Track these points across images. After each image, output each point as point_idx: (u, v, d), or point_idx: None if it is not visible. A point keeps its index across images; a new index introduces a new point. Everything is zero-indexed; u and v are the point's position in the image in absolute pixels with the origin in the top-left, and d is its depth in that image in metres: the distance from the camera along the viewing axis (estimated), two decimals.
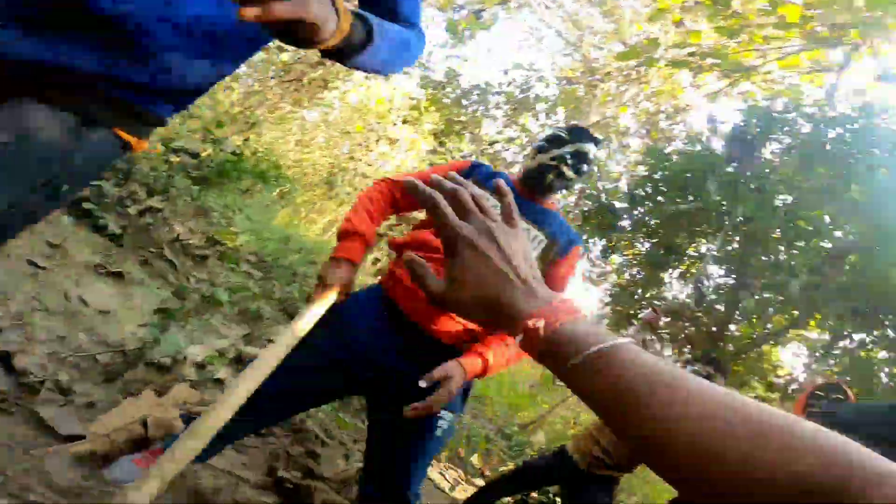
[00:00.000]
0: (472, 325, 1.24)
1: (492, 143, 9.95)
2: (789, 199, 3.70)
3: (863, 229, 3.35)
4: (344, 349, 1.23)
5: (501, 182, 0.48)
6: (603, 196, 5.25)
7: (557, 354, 0.36)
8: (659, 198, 4.12)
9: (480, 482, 4.20)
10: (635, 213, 4.86)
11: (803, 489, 0.26)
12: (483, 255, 0.41)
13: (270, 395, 1.01)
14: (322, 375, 1.23)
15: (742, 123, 3.86)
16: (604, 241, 5.71)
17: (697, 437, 0.29)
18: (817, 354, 4.97)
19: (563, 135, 1.36)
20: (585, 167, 1.36)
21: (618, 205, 5.24)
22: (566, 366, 0.36)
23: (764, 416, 0.29)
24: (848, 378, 4.36)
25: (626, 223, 5.19)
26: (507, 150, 10.05)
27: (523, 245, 0.44)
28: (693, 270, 5.40)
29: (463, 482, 3.91)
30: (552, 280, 1.37)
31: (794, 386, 5.23)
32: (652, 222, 5.04)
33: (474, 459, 4.45)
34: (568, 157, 1.31)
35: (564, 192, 1.59)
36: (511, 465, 4.89)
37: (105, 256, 2.30)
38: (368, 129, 13.89)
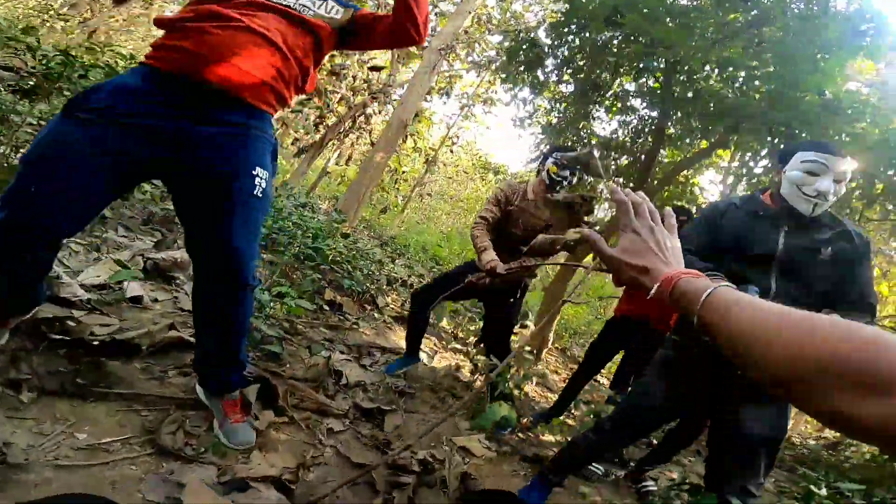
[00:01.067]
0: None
1: None
2: (708, 31, 3.66)
3: (777, 61, 3.47)
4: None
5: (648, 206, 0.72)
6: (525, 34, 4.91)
7: (681, 300, 0.57)
8: (584, 33, 3.91)
9: (457, 345, 4.68)
10: (560, 49, 4.64)
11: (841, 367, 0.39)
12: (643, 238, 0.66)
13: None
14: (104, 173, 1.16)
15: None
16: (531, 79, 5.51)
17: (786, 346, 0.44)
18: (731, 178, 5.51)
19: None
20: None
21: (543, 39, 4.96)
22: (693, 309, 0.55)
23: (815, 319, 0.44)
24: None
25: (550, 61, 4.99)
26: None
27: (669, 238, 0.67)
28: (618, 105, 5.48)
29: (441, 350, 4.31)
30: None
31: None
32: (577, 58, 4.86)
33: (444, 324, 4.84)
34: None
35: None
36: (479, 324, 5.42)
37: None
38: None
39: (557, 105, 6.19)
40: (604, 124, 6.61)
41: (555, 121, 6.39)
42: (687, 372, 1.64)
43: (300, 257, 4.00)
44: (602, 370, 3.54)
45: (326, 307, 3.79)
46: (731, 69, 3.80)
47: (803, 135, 3.73)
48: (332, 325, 3.49)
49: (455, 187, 25.31)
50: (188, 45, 1.20)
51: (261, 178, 1.30)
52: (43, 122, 2.98)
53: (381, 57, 10.40)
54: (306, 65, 1.42)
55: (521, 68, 4.87)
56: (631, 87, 5.57)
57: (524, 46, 4.71)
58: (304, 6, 1.41)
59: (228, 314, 1.37)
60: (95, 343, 1.41)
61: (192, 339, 1.98)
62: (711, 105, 4.21)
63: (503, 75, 5.27)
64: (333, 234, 5.42)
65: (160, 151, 1.18)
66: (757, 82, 3.75)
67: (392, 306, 5.12)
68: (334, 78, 8.84)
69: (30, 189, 1.06)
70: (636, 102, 5.76)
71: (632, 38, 3.45)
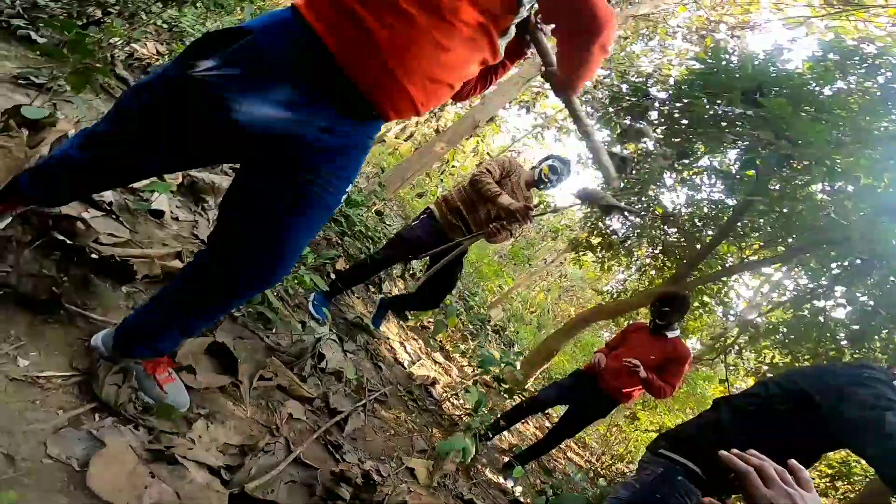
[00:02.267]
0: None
1: None
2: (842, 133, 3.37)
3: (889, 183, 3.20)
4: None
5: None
6: (639, 81, 4.73)
7: None
8: (699, 96, 3.69)
9: (439, 356, 4.60)
10: (667, 105, 4.43)
11: None
12: None
13: None
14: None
15: (817, 53, 3.30)
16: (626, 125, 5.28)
17: None
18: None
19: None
20: None
21: (654, 92, 4.76)
22: None
23: None
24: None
25: (654, 114, 4.79)
26: None
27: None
28: (692, 178, 5.25)
29: (424, 356, 4.22)
30: None
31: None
32: (682, 119, 4.63)
33: (440, 336, 4.75)
34: None
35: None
36: (472, 344, 5.34)
37: (34, 71, 1.97)
38: None
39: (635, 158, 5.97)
40: (670, 194, 6.37)
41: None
42: None
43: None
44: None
45: (333, 275, 3.74)
46: (842, 182, 3.53)
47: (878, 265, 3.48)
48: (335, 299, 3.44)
49: None
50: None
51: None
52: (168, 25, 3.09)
53: None
54: None
55: (622, 113, 4.70)
56: (716, 163, 5.33)
57: (635, 93, 4.53)
58: None
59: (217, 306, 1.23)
60: (94, 256, 1.35)
61: None
62: (800, 215, 3.95)
63: (597, 113, 5.07)
64: (368, 205, 5.37)
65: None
66: (857, 203, 3.46)
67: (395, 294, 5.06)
68: None
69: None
70: (711, 181, 5.51)
71: (767, 124, 3.18)
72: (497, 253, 18.78)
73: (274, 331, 2.24)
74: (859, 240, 3.33)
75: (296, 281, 2.50)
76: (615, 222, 6.23)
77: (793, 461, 0.66)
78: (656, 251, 6.46)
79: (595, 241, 6.77)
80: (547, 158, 3.15)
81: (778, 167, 3.79)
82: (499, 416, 3.55)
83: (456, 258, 3.07)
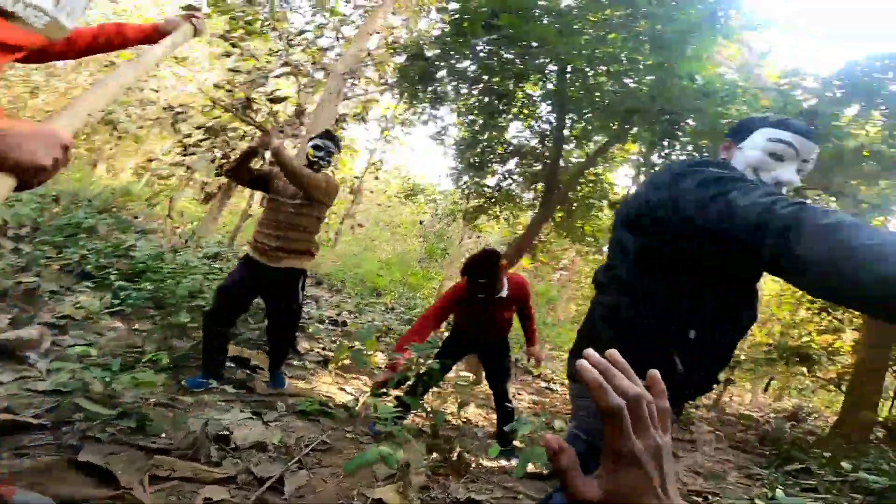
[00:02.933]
0: None
1: (300, 34, 8.90)
2: (589, 28, 3.87)
3: (654, 52, 3.70)
4: None
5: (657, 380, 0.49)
6: (419, 47, 4.94)
7: None
8: (468, 40, 4.00)
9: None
10: (453, 61, 4.70)
11: None
12: (647, 476, 0.43)
13: None
14: None
15: None
16: (428, 95, 5.51)
17: None
18: (640, 171, 5.80)
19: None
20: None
21: (429, 53, 5.00)
22: None
23: None
24: None
25: (443, 74, 5.04)
26: (319, 36, 9.10)
27: (674, 464, 0.47)
28: (525, 112, 5.64)
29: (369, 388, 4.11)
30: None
31: None
32: (472, 69, 4.94)
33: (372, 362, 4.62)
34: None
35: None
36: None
37: None
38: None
39: (466, 118, 6.28)
40: (516, 132, 6.78)
41: (467, 134, 6.48)
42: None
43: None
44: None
45: (232, 364, 3.53)
46: (614, 65, 4.01)
47: (689, 122, 3.97)
48: (240, 381, 3.25)
49: (390, 213, 25.26)
50: None
51: None
52: None
53: (284, 88, 10.26)
54: None
55: (417, 84, 4.88)
56: (536, 93, 5.76)
57: (413, 61, 4.72)
58: None
59: None
60: None
61: (32, 421, 1.86)
62: (603, 102, 4.42)
63: (395, 93, 5.27)
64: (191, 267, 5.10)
65: None
66: (639, 75, 3.99)
67: (315, 350, 4.89)
68: (236, 114, 8.57)
69: None
70: (543, 108, 5.97)
71: (511, 41, 3.55)
72: (416, 260, 18.88)
73: (163, 434, 2.07)
74: (656, 101, 3.81)
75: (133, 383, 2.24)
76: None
77: (653, 372, 0.49)
78: (531, 188, 6.84)
79: (478, 203, 7.02)
80: (310, 140, 3.22)
81: (557, 76, 4.22)
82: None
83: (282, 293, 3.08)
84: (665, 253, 1.16)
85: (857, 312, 7.87)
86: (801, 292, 10.39)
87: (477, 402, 4.83)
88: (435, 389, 3.77)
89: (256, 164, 4.66)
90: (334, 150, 3.17)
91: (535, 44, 3.64)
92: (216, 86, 9.56)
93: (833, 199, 4.80)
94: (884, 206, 4.56)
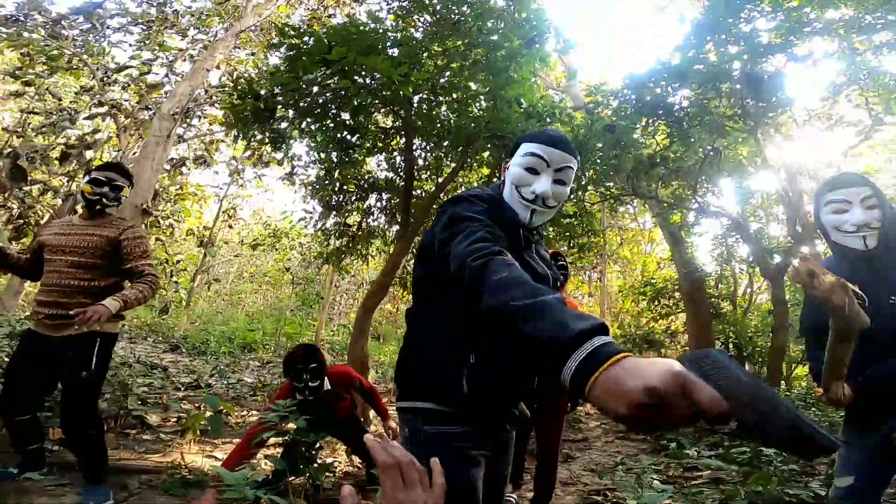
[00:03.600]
0: None
1: (121, 69, 8.10)
2: (431, 63, 4.19)
3: (487, 80, 4.13)
4: None
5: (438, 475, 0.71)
6: (250, 85, 4.81)
7: None
8: (304, 75, 4.03)
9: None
10: (295, 97, 4.67)
11: None
12: None
13: None
14: None
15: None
16: (270, 132, 5.33)
17: None
18: None
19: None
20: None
21: (262, 91, 4.90)
22: None
23: None
24: None
25: (289, 112, 4.97)
26: (146, 72, 8.37)
27: None
28: (380, 145, 5.82)
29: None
30: None
31: None
32: (313, 105, 4.94)
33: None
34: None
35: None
36: None
37: None
38: None
39: (318, 155, 6.22)
40: (373, 167, 6.92)
41: (322, 173, 6.41)
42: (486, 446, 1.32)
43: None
44: None
45: (56, 447, 2.98)
46: (456, 92, 4.38)
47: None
48: (70, 463, 2.75)
49: (255, 262, 23.65)
50: None
51: None
52: None
53: (97, 127, 9.21)
54: None
55: (252, 124, 4.71)
56: (388, 125, 5.98)
57: (242, 100, 4.54)
58: None
59: None
60: None
61: None
62: (445, 130, 4.78)
63: (234, 135, 5.05)
64: None
65: None
66: (476, 102, 4.42)
67: (171, 421, 4.34)
68: (32, 163, 7.34)
69: None
70: (399, 140, 6.20)
71: (346, 75, 3.66)
72: (289, 309, 17.86)
73: None
74: (490, 126, 4.24)
75: None
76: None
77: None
78: (396, 222, 6.97)
79: (341, 243, 6.92)
80: (86, 175, 2.57)
81: (404, 107, 4.49)
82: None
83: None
84: (440, 279, 1.21)
85: (679, 298, 9.41)
86: (637, 285, 12.13)
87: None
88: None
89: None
90: (123, 183, 2.55)
91: (371, 79, 3.82)
92: (4, 129, 8.21)
93: (642, 201, 5.73)
94: (677, 203, 5.62)
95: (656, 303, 10.10)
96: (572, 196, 5.68)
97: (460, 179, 6.47)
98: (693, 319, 7.52)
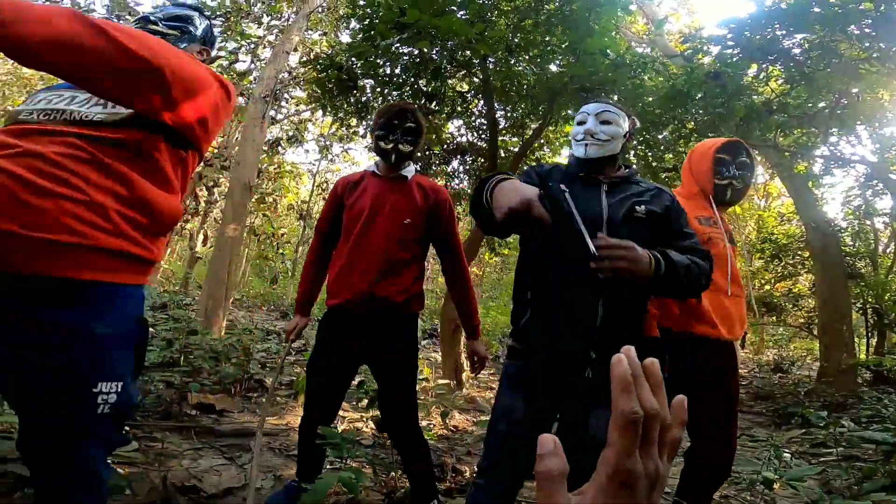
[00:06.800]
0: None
1: (213, 61, 8.88)
2: (505, 21, 4.05)
3: (566, 34, 3.92)
4: None
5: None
6: (331, 58, 4.97)
7: None
8: (393, 48, 4.09)
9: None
10: (369, 67, 4.77)
11: None
12: (636, 502, 0.39)
13: None
14: None
15: None
16: (353, 106, 5.49)
17: None
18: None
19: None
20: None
21: (343, 62, 5.04)
22: None
23: None
24: None
25: (369, 83, 5.10)
26: (234, 61, 9.07)
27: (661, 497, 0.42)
28: (459, 109, 5.78)
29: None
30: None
31: None
32: (393, 72, 5.02)
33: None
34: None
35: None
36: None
37: None
38: None
39: None
40: (454, 131, 6.94)
41: None
42: (536, 380, 1.46)
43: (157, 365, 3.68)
44: None
45: (195, 411, 3.49)
46: (533, 50, 4.21)
47: (607, 96, 4.21)
48: (207, 428, 3.22)
49: None
50: None
51: (105, 395, 1.04)
52: None
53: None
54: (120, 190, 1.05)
55: (337, 97, 4.90)
56: (465, 89, 5.92)
57: (326, 73, 4.73)
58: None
59: None
60: None
61: None
62: (528, 88, 4.61)
63: (321, 109, 5.28)
64: (189, 332, 4.95)
65: None
66: (556, 58, 4.21)
67: (282, 384, 4.86)
68: None
69: None
70: (477, 102, 6.14)
71: (424, 38, 3.66)
72: None
73: (127, 492, 2.04)
74: (574, 81, 4.03)
75: None
76: None
77: (680, 398, 0.44)
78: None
79: None
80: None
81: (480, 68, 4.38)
82: None
83: None
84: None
85: (805, 257, 8.42)
86: (752, 242, 11.02)
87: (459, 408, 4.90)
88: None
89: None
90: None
91: (447, 41, 3.78)
92: None
93: (756, 151, 5.16)
94: (802, 152, 4.95)
95: (777, 262, 9.15)
96: (671, 148, 5.28)
97: (546, 137, 6.27)
98: (823, 280, 6.73)
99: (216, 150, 9.20)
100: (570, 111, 5.04)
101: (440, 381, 5.35)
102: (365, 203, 2.07)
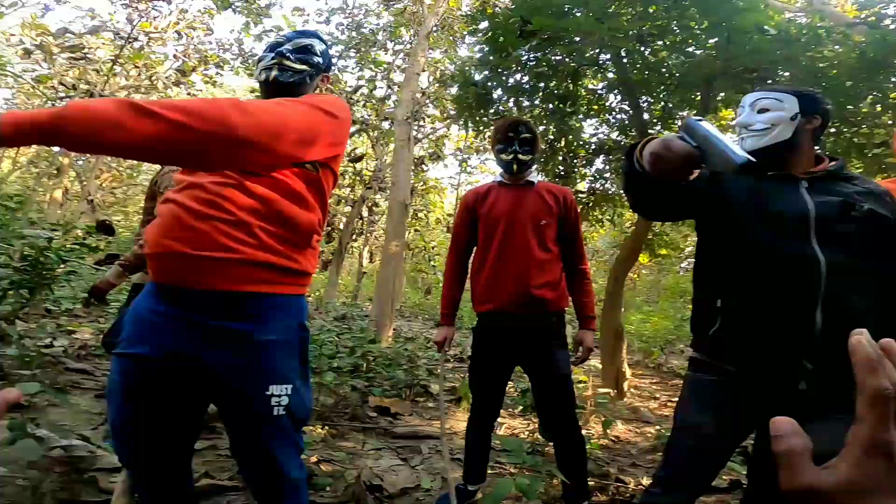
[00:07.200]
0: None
1: (356, 90, 9.91)
2: (630, 11, 3.83)
3: (704, 14, 3.54)
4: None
5: None
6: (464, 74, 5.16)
7: None
8: (523, 56, 4.14)
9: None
10: (503, 78, 4.84)
11: None
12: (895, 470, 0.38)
13: None
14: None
15: None
16: (493, 115, 5.59)
17: None
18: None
19: (281, 40, 1.45)
20: (313, 58, 1.45)
21: (477, 77, 5.17)
22: None
23: None
24: None
25: (498, 94, 5.18)
26: (373, 88, 10.02)
27: None
28: (595, 107, 5.58)
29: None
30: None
31: None
32: (525, 80, 5.04)
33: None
34: (288, 52, 1.40)
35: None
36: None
37: None
38: None
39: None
40: (592, 131, 6.71)
41: (544, 145, 6.55)
42: (733, 395, 1.35)
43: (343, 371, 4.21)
44: None
45: (374, 413, 3.92)
46: (669, 37, 3.88)
47: (782, 73, 3.68)
48: (384, 430, 3.59)
49: None
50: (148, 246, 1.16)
51: (278, 397, 1.18)
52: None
53: (361, 146, 11.31)
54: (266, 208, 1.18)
55: (476, 110, 5.08)
56: (598, 86, 5.70)
57: (464, 90, 4.92)
58: None
59: None
60: None
61: (227, 483, 2.22)
62: (672, 76, 4.25)
63: (461, 124, 5.50)
64: (369, 340, 5.57)
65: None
66: (699, 41, 3.80)
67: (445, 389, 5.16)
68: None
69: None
70: (612, 99, 5.86)
71: (551, 42, 3.62)
72: None
73: (328, 488, 2.38)
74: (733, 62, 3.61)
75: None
76: None
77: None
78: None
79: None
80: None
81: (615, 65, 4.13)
82: None
83: None
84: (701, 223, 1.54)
85: None
86: None
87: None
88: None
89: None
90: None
91: (576, 38, 3.69)
92: None
93: None
94: None
95: None
96: (874, 122, 4.38)
97: None
98: None
99: (373, 174, 10.25)
100: (724, 95, 4.51)
101: (600, 390, 5.18)
102: (501, 210, 2.22)
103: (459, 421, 4.19)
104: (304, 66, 1.38)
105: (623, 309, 6.16)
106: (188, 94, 12.03)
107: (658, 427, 4.18)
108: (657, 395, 5.78)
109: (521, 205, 2.21)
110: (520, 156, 2.22)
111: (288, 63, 1.36)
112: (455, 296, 2.42)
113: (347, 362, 4.42)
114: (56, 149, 5.48)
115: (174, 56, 10.95)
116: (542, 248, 2.17)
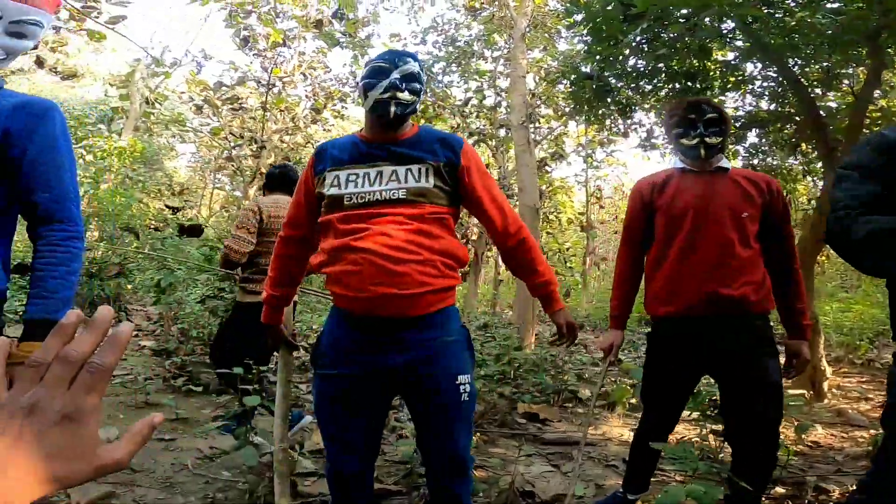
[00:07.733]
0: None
1: (467, 102, 10.15)
2: None
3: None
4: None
5: None
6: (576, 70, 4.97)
7: None
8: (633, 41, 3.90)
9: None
10: (617, 67, 4.57)
11: None
12: None
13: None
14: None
15: None
16: (613, 105, 5.33)
17: None
18: None
19: (385, 64, 1.46)
20: (417, 85, 1.48)
21: (587, 69, 4.94)
22: None
23: None
24: None
25: (613, 81, 4.91)
26: (482, 98, 10.19)
27: None
28: (731, 79, 4.99)
29: None
30: (478, 190, 1.55)
31: None
32: (641, 64, 4.74)
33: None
34: (398, 83, 1.43)
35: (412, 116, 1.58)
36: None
37: None
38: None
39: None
40: (730, 104, 6.03)
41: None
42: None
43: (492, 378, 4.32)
44: None
45: (523, 420, 3.95)
46: None
47: None
48: (533, 436, 3.60)
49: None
50: (342, 290, 1.43)
51: (464, 385, 1.47)
52: None
53: (482, 156, 11.60)
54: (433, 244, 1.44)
55: (594, 103, 4.88)
56: (728, 56, 5.12)
57: (580, 84, 4.76)
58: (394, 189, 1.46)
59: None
60: None
61: (392, 487, 2.48)
62: (823, 35, 3.64)
63: (578, 119, 5.33)
64: (514, 348, 5.59)
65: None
66: None
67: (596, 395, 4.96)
68: None
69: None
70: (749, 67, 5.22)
71: (661, 20, 3.33)
72: None
73: (481, 493, 2.45)
74: None
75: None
76: None
77: None
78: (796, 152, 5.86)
79: None
80: None
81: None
82: None
83: None
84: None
85: None
86: None
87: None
88: None
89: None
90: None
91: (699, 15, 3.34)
92: None
93: None
94: None
95: None
96: None
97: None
98: None
99: (500, 181, 10.40)
100: None
101: (790, 392, 4.55)
102: (687, 201, 1.95)
103: (613, 427, 4.03)
104: (413, 97, 1.49)
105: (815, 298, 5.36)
106: (323, 130, 13.49)
107: (873, 431, 3.59)
108: (869, 396, 5.03)
109: (714, 194, 1.93)
110: (707, 139, 1.91)
111: (401, 96, 1.45)
112: (629, 297, 2.18)
113: (494, 370, 4.52)
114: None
115: (306, 96, 12.28)
116: (744, 244, 1.89)
